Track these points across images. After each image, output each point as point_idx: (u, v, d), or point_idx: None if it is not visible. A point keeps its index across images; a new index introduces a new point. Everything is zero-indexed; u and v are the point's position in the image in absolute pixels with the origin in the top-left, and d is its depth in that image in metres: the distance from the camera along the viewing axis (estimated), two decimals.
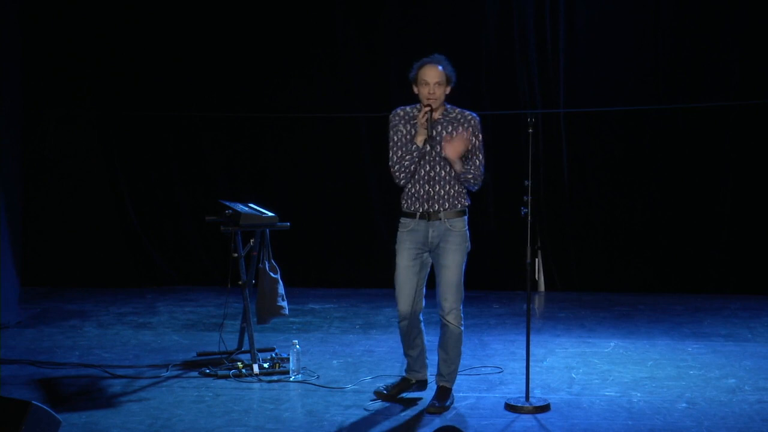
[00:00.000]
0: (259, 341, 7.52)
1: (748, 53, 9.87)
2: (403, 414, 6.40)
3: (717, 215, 10.06)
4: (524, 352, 6.65)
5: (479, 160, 6.55)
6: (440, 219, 6.49)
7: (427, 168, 6.51)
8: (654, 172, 10.09)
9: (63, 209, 10.37)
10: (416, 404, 6.59)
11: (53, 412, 5.58)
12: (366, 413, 6.40)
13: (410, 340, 6.64)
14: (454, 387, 6.67)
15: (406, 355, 6.75)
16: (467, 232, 6.57)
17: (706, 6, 9.94)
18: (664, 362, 7.56)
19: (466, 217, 6.58)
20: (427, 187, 6.51)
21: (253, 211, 7.41)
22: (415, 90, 6.55)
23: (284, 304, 7.40)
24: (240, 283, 7.34)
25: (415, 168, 6.51)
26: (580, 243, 10.22)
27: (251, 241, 7.40)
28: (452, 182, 6.52)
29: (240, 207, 7.45)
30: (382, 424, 6.21)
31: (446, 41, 10.03)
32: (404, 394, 6.71)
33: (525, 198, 6.51)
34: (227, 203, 7.53)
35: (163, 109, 10.37)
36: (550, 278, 10.29)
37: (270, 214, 7.37)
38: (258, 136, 10.42)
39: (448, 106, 6.60)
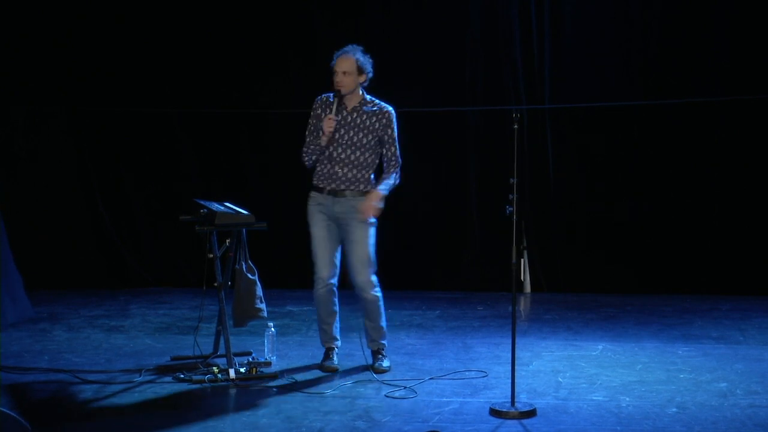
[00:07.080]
0: (236, 345, 7.46)
1: (737, 48, 9.85)
2: (385, 420, 6.26)
3: (706, 214, 10.06)
4: (509, 356, 6.55)
5: (391, 152, 7.12)
6: (345, 197, 7.08)
7: (338, 150, 7.06)
8: (641, 170, 10.08)
9: (32, 208, 10.30)
10: (398, 410, 6.46)
11: (21, 419, 5.51)
12: (345, 419, 6.26)
13: (329, 307, 7.24)
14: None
15: (323, 325, 7.32)
16: None
17: (693, 0, 9.90)
18: (653, 365, 7.49)
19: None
20: (335, 168, 7.09)
21: (229, 210, 7.30)
22: None
23: (262, 306, 7.34)
24: (215, 284, 7.23)
25: (321, 153, 7.10)
26: (566, 243, 10.23)
27: (227, 241, 7.31)
28: (359, 167, 7.07)
29: (215, 206, 7.34)
30: (362, 431, 6.08)
31: (430, 37, 10.11)
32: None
33: (510, 196, 6.44)
34: (202, 202, 7.44)
35: (137, 105, 10.32)
36: (536, 279, 10.26)
37: (246, 213, 7.26)
38: (234, 134, 10.40)
39: (367, 96, 7.13)
